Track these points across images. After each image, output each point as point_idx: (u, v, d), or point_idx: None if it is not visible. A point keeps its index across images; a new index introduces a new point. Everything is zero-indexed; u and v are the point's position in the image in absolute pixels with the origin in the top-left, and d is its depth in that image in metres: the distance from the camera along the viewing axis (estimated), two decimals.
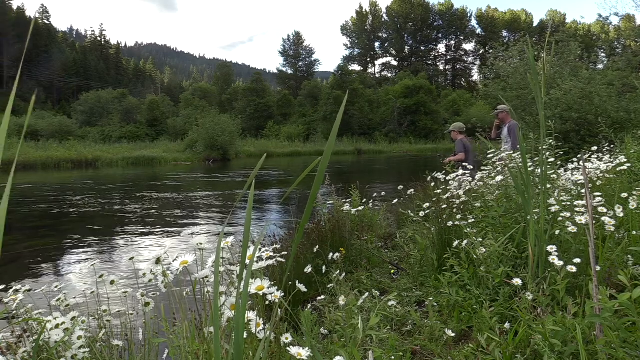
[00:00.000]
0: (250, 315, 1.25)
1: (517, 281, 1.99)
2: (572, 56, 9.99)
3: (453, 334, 2.04)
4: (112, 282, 1.91)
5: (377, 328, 1.97)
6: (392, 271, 3.66)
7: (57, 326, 1.60)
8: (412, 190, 4.14)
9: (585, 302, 1.67)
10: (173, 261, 1.31)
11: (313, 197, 0.74)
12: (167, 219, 8.91)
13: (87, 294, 1.98)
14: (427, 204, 3.44)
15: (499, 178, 3.25)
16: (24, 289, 1.89)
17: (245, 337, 1.23)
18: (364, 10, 73.53)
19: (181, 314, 1.44)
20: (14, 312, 1.82)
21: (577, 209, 2.34)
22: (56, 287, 2.01)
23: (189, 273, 1.36)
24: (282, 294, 1.32)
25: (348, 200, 4.95)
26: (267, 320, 1.57)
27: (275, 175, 18.92)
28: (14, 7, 62.78)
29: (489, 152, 3.73)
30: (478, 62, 69.05)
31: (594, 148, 4.33)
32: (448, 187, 3.64)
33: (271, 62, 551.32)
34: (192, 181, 17.50)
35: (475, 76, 69.84)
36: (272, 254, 1.62)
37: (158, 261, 1.43)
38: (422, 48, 74.11)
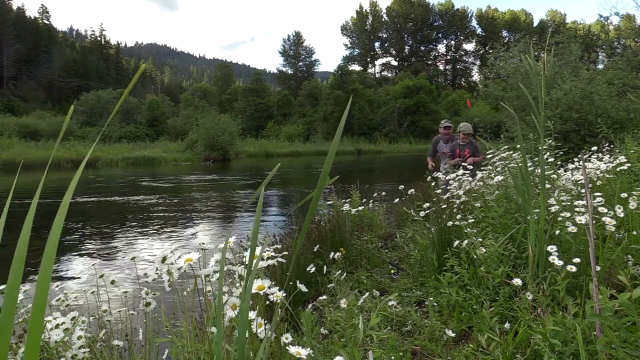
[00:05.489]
0: (251, 315, 1.25)
1: (517, 281, 1.99)
2: (573, 57, 9.99)
3: (453, 334, 2.04)
4: (112, 282, 1.91)
5: (378, 328, 1.97)
6: (392, 271, 3.66)
7: (57, 326, 1.60)
8: (412, 190, 4.14)
9: (585, 302, 1.67)
10: (177, 259, 1.31)
11: (316, 200, 0.74)
12: (167, 219, 8.91)
13: (87, 294, 1.97)
14: (427, 204, 3.44)
15: (499, 178, 3.25)
16: (24, 289, 1.89)
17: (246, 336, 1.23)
18: (364, 10, 73.46)
19: (184, 314, 1.44)
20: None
21: (577, 209, 2.34)
22: (56, 287, 2.01)
23: (192, 272, 1.36)
24: (284, 294, 1.32)
25: (348, 200, 4.95)
26: (268, 320, 1.57)
27: (276, 176, 18.91)
28: (14, 7, 62.76)
29: (488, 152, 3.73)
30: (478, 62, 69.02)
31: (594, 148, 4.33)
32: (448, 187, 3.64)
33: (271, 62, 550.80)
34: (192, 181, 17.50)
35: (476, 76, 69.83)
36: (273, 253, 1.62)
37: (164, 260, 1.44)
38: (422, 48, 74.02)
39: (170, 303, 2.18)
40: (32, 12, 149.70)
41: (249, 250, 0.79)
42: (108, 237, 7.26)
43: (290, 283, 2.26)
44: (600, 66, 18.43)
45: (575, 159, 4.02)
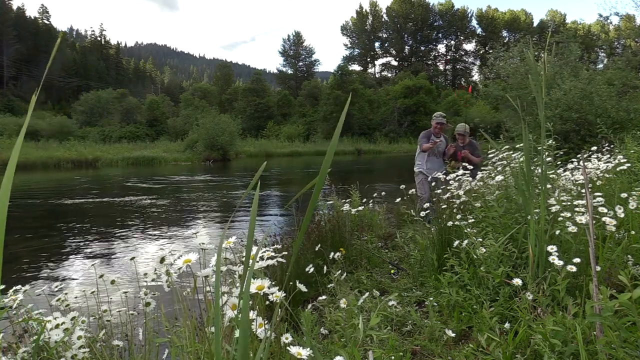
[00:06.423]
0: (251, 315, 1.25)
1: (517, 281, 1.99)
2: (573, 57, 9.99)
3: (453, 334, 2.04)
4: (112, 282, 1.91)
5: (378, 328, 1.97)
6: (392, 271, 3.66)
7: (57, 326, 1.60)
8: (412, 190, 4.14)
9: (585, 302, 1.67)
10: (176, 260, 1.31)
11: (314, 200, 0.73)
12: (167, 219, 8.91)
13: (87, 294, 1.97)
14: (427, 204, 3.44)
15: (499, 178, 3.25)
16: (24, 289, 1.89)
17: None
18: (364, 10, 73.46)
19: (183, 314, 1.44)
20: (14, 312, 1.82)
21: (577, 209, 2.34)
22: (56, 287, 2.01)
23: (192, 273, 1.36)
24: (284, 294, 1.32)
25: (348, 200, 4.95)
26: (267, 320, 1.57)
27: (276, 176, 18.92)
28: (14, 7, 62.74)
29: (489, 152, 3.73)
30: (478, 62, 69.05)
31: (594, 148, 4.33)
32: (449, 187, 3.64)
33: (271, 62, 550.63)
34: (192, 181, 17.50)
35: (476, 76, 69.85)
36: (272, 254, 1.62)
37: (162, 260, 1.43)
38: (422, 48, 74.03)
39: (170, 303, 2.18)
40: (32, 12, 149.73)
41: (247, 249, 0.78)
42: (108, 237, 7.26)
43: (290, 283, 2.26)
44: (600, 66, 18.44)
45: (575, 159, 4.02)
